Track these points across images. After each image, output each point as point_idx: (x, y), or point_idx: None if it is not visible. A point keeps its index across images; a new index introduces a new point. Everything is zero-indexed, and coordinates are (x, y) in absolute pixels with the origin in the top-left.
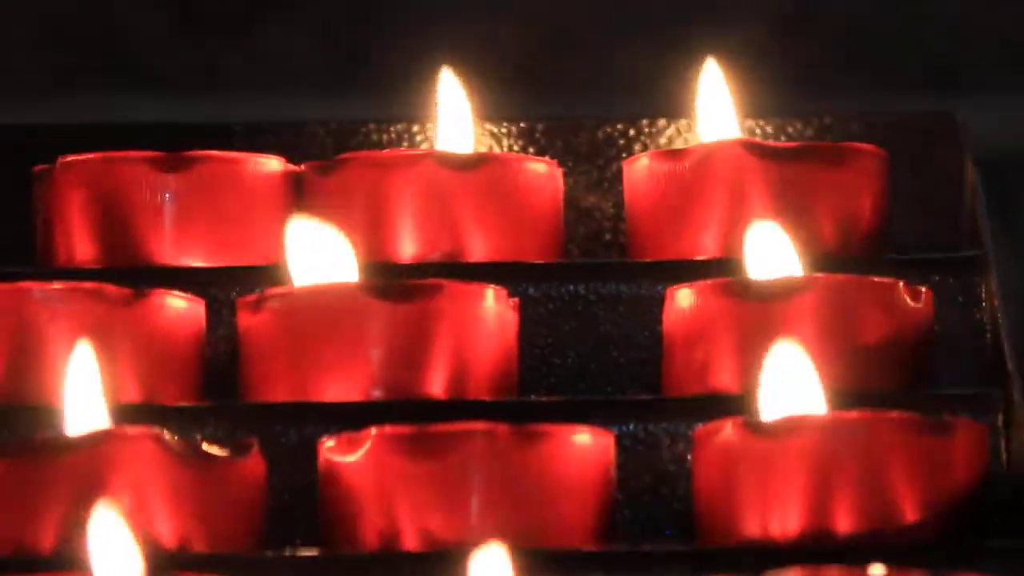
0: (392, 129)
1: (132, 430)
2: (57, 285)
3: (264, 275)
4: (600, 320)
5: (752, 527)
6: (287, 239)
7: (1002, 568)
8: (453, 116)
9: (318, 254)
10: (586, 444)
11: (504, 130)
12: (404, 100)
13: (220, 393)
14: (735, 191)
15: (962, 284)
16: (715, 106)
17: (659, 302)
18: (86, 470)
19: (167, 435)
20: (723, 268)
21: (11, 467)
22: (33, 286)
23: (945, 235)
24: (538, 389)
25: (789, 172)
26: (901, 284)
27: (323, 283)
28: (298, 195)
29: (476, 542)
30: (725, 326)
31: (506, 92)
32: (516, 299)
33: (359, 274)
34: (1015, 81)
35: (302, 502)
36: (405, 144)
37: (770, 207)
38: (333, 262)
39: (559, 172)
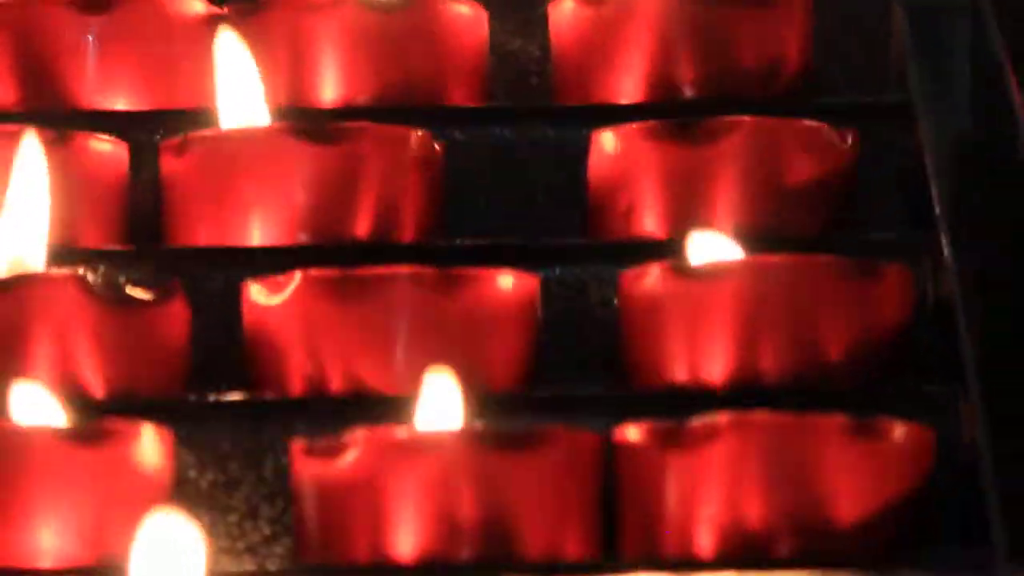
0: None
1: (55, 273)
2: None
3: (188, 118)
4: (526, 164)
5: (680, 371)
6: (217, 72)
7: (927, 412)
8: None
9: (240, 92)
10: (512, 287)
11: None
12: None
13: (144, 238)
14: (660, 33)
15: (889, 129)
16: None
17: (585, 146)
18: (8, 313)
19: (90, 278)
20: (648, 111)
21: None
22: None
23: (873, 79)
24: (464, 233)
25: (713, 14)
26: (827, 127)
27: (247, 126)
28: None
29: (401, 386)
30: (651, 169)
31: None
32: (442, 143)
33: (283, 117)
34: None
35: (227, 346)
36: None
37: (694, 49)
38: (252, 103)
39: (484, 15)
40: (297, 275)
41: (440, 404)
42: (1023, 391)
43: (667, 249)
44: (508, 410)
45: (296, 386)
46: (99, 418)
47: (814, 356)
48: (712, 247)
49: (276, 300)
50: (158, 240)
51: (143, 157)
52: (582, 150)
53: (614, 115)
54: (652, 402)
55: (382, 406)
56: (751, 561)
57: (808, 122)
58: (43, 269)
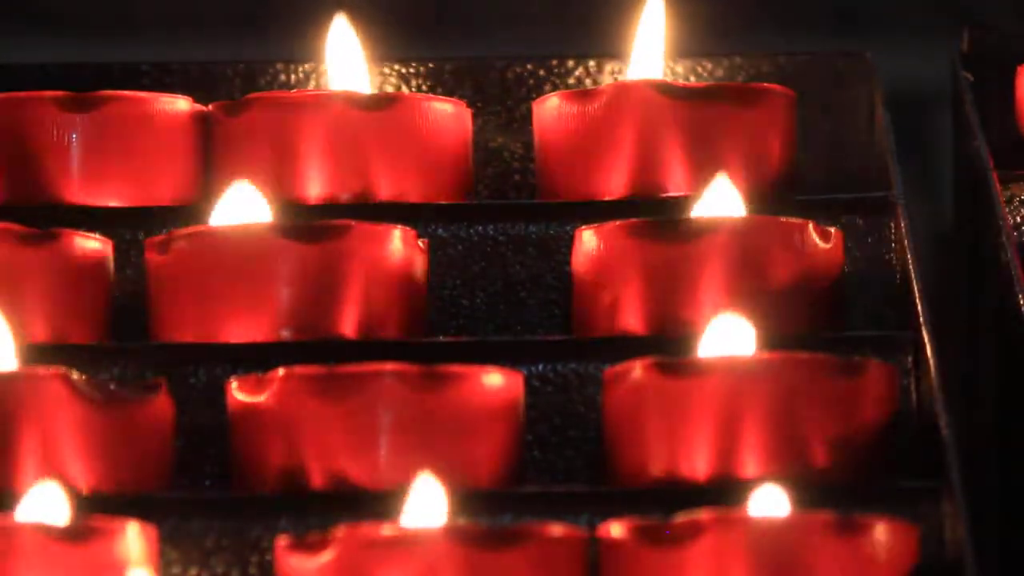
0: (300, 69)
1: (40, 370)
2: None
3: (172, 215)
4: (509, 261)
5: (662, 468)
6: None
7: (911, 508)
8: (346, 60)
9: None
10: (495, 385)
11: (412, 70)
12: (312, 40)
13: (128, 334)
14: (644, 131)
15: (872, 225)
16: (651, 43)
17: (568, 243)
18: None
19: (75, 375)
20: (632, 209)
21: None
22: None
23: (855, 176)
24: (447, 330)
25: (698, 112)
26: (811, 225)
27: (231, 223)
28: (206, 136)
29: (384, 483)
30: (633, 267)
31: (414, 32)
32: (425, 240)
33: (268, 215)
34: (925, 20)
35: (211, 443)
36: (313, 84)
37: (679, 147)
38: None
39: (468, 112)
40: (280, 372)
41: (424, 501)
42: (1007, 487)
43: (650, 346)
44: (492, 507)
45: (280, 482)
46: (83, 515)
47: (797, 452)
48: (695, 339)
49: (259, 397)
50: (143, 336)
51: (127, 254)
52: (565, 246)
53: (597, 212)
54: (636, 499)
55: (366, 503)
56: None
57: (791, 220)
58: (27, 366)
